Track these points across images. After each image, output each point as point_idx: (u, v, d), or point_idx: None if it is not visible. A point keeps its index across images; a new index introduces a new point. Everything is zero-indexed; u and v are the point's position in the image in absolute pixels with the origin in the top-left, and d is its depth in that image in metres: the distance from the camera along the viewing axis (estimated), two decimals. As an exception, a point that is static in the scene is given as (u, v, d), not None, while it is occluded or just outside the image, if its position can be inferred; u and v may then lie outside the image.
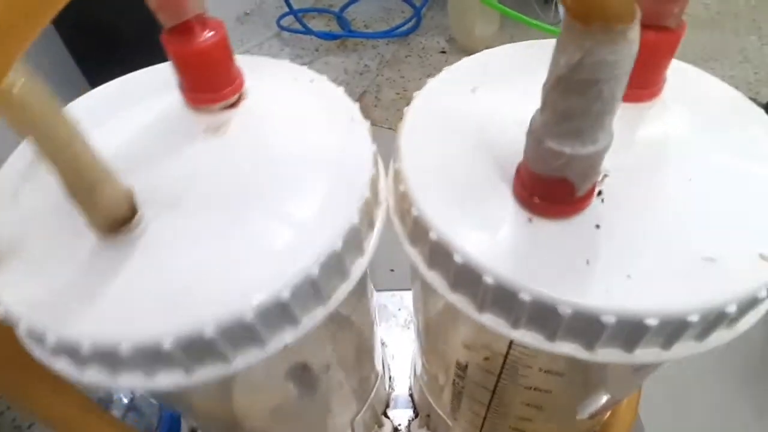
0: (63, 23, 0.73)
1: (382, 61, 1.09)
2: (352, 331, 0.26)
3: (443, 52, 1.11)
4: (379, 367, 0.33)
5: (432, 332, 0.28)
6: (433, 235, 0.18)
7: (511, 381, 0.23)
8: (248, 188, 0.18)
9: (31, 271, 0.17)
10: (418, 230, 0.19)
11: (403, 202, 0.20)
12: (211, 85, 0.20)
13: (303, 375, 0.24)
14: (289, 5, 1.07)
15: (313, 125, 0.21)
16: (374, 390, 0.32)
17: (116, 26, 0.71)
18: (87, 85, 0.81)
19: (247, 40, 1.11)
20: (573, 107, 0.14)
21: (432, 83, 0.23)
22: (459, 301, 0.19)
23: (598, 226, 0.17)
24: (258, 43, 1.10)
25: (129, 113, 0.21)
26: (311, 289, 0.17)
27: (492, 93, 0.22)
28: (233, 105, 0.21)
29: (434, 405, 0.34)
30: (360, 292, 0.25)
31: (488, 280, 0.17)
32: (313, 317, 0.18)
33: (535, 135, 0.16)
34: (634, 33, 0.12)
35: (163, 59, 0.21)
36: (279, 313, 0.16)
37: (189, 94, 0.20)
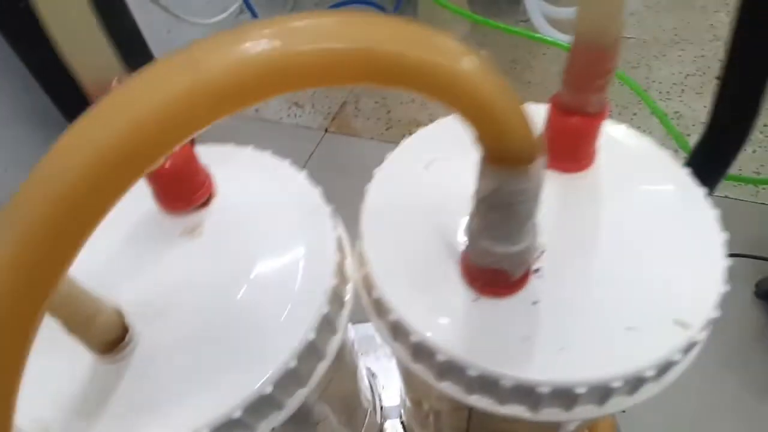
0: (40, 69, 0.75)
1: (359, 70, 1.10)
2: (336, 386, 0.28)
3: (418, 56, 1.13)
4: (366, 403, 0.36)
5: (407, 382, 0.30)
6: (392, 316, 0.20)
7: (481, 422, 0.25)
8: (226, 291, 0.21)
9: (34, 391, 0.19)
10: (379, 309, 0.21)
11: (366, 282, 0.22)
12: (182, 193, 0.22)
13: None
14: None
15: (280, 217, 0.23)
16: (364, 425, 0.35)
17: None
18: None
19: (223, 60, 1.12)
20: (496, 220, 0.16)
21: (390, 157, 0.26)
22: (420, 370, 0.21)
23: (535, 303, 0.19)
24: (235, 62, 1.11)
25: (107, 219, 0.23)
26: (292, 378, 0.19)
27: (443, 169, 0.24)
28: (204, 204, 0.23)
29: (420, 433, 0.36)
30: (339, 354, 0.27)
31: (441, 357, 0.19)
32: (296, 399, 0.20)
33: (472, 236, 0.18)
34: (537, 168, 0.15)
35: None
36: (265, 405, 0.18)
37: (163, 203, 0.22)
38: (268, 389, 0.18)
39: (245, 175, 0.25)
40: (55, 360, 0.19)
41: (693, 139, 0.91)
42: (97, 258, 0.21)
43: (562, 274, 0.20)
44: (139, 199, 0.23)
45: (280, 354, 0.19)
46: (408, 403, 0.36)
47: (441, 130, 0.27)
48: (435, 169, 0.24)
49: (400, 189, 0.24)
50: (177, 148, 0.12)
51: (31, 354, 0.20)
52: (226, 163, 0.25)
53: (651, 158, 0.24)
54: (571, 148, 0.23)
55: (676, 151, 0.90)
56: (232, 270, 0.21)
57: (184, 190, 0.22)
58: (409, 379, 0.31)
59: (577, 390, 0.18)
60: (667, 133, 0.78)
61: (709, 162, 0.41)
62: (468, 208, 0.22)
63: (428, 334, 0.19)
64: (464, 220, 0.22)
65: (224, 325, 0.20)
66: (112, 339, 0.18)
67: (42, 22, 0.17)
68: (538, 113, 0.22)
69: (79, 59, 0.18)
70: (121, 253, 0.22)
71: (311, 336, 0.20)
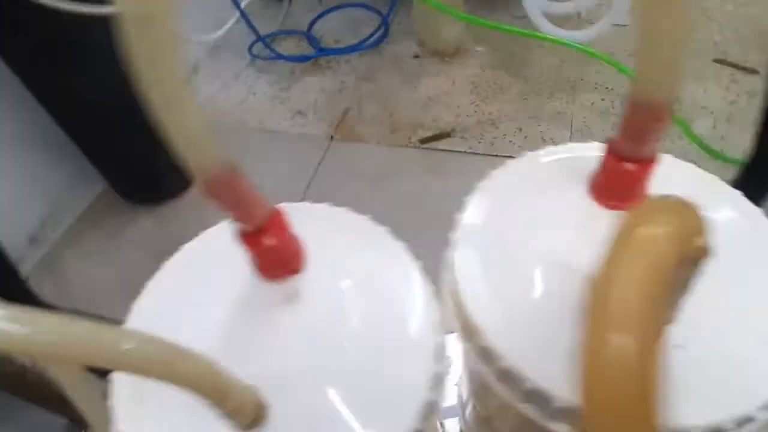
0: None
1: (358, 75, 1.11)
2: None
3: (416, 56, 1.13)
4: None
5: (484, 402, 0.31)
6: (503, 363, 0.21)
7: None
8: (338, 357, 0.21)
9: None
10: (487, 355, 0.22)
11: (467, 325, 0.23)
12: (281, 263, 0.23)
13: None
14: (255, 32, 1.08)
15: (370, 276, 0.23)
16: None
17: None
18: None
19: (222, 73, 1.11)
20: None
21: (474, 200, 0.26)
22: (528, 409, 0.22)
23: (674, 349, 0.20)
24: (234, 75, 1.11)
25: (208, 288, 0.24)
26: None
27: (556, 202, 0.25)
28: (298, 270, 0.23)
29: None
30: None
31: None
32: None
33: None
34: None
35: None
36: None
37: (263, 272, 0.23)
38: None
39: (325, 232, 0.25)
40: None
41: (695, 124, 0.93)
42: (208, 330, 0.22)
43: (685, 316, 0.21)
44: (235, 266, 0.24)
45: (407, 418, 0.20)
46: (468, 418, 0.37)
47: (552, 156, 0.27)
48: (547, 202, 0.25)
49: (499, 221, 0.25)
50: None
51: (176, 424, 0.20)
52: (305, 222, 0.25)
53: (703, 185, 0.25)
54: (625, 189, 0.24)
55: (680, 137, 0.91)
56: (339, 336, 0.22)
57: (282, 260, 0.23)
58: (485, 400, 0.31)
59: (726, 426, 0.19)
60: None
61: (755, 187, 0.43)
62: (569, 275, 0.23)
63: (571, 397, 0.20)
64: (585, 265, 0.22)
65: (344, 392, 0.20)
66: (249, 418, 0.19)
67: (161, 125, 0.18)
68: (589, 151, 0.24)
69: (193, 156, 0.18)
70: (230, 324, 0.22)
71: (430, 396, 0.20)
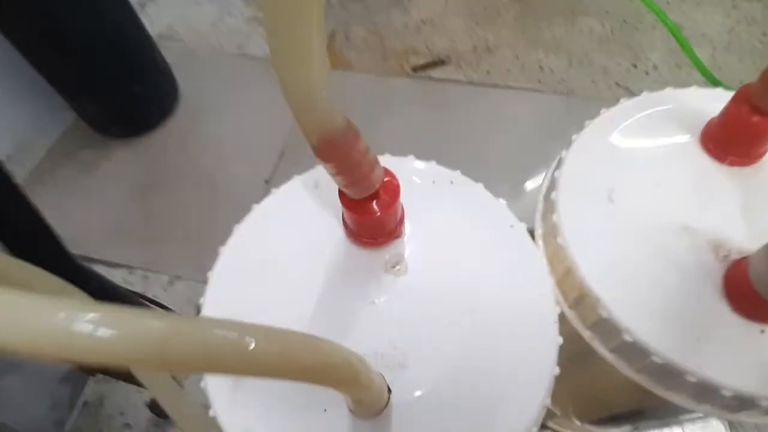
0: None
1: (344, -6, 1.03)
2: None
3: (406, -26, 1.05)
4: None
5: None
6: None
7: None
8: (455, 335, 0.19)
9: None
10: (606, 328, 0.20)
11: (583, 297, 0.21)
12: (385, 230, 0.20)
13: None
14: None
15: (475, 239, 0.21)
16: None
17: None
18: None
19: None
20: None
21: (572, 155, 0.24)
22: (644, 381, 0.21)
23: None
24: (204, -7, 1.01)
25: (294, 253, 0.21)
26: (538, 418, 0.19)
27: (665, 167, 0.23)
28: (398, 235, 0.21)
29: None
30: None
31: (726, 393, 0.19)
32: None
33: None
34: None
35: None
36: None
37: (362, 240, 0.20)
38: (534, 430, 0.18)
39: (418, 187, 0.23)
40: (315, 418, 0.18)
41: (697, 53, 0.90)
42: (304, 302, 0.20)
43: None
44: (319, 229, 0.21)
45: (537, 393, 0.18)
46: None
47: (652, 104, 0.25)
48: (654, 157, 0.23)
49: (605, 179, 0.23)
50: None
51: (272, 410, 0.18)
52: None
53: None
54: (751, 145, 0.22)
55: (678, 66, 0.88)
56: (453, 311, 0.20)
57: (387, 228, 0.20)
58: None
59: None
60: (671, 48, 0.77)
61: None
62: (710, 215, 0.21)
63: (713, 375, 0.19)
64: (705, 228, 0.21)
65: (463, 371, 0.19)
66: (380, 407, 0.17)
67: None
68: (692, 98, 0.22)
69: (306, 115, 0.15)
70: (329, 295, 0.20)
71: (555, 370, 0.19)
